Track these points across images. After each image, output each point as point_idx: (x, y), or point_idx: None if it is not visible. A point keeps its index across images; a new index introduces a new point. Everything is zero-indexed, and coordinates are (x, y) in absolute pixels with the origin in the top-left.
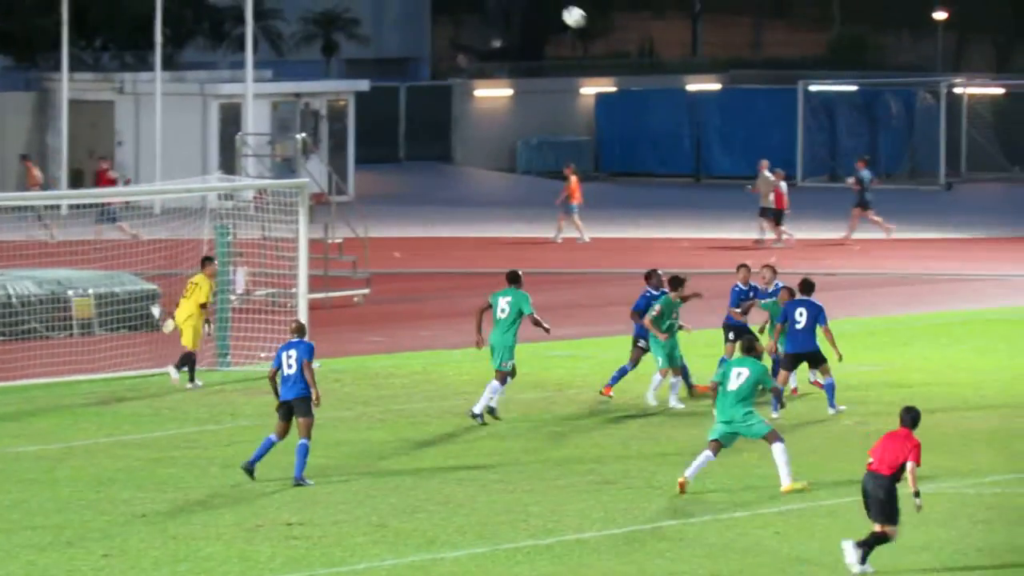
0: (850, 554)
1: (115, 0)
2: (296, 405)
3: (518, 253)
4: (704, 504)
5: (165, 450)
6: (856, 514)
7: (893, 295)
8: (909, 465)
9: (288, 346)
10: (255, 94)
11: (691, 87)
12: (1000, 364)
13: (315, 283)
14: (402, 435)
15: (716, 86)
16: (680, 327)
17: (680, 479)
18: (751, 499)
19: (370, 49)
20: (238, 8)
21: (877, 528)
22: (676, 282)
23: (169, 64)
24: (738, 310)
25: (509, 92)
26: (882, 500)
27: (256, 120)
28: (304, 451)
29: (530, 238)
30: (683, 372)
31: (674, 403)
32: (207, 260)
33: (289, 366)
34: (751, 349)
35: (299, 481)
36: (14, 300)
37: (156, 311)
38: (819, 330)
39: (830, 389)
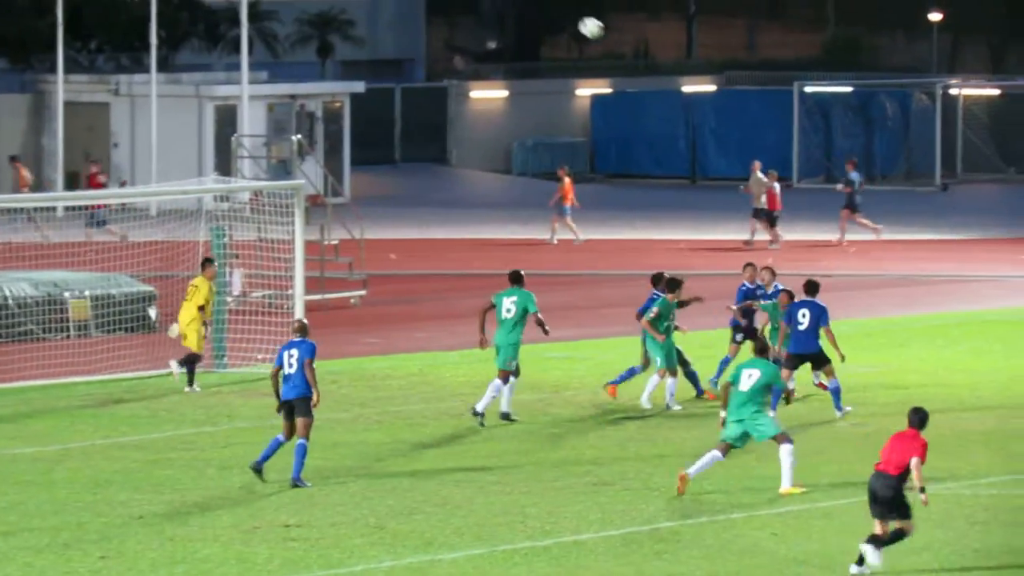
0: (872, 555)
1: (110, 2)
2: (297, 405)
3: (514, 255)
4: (701, 505)
5: (162, 452)
6: (853, 515)
7: (889, 296)
8: (914, 461)
9: (290, 345)
10: (251, 96)
11: (686, 88)
12: (996, 365)
13: (311, 285)
14: (399, 437)
15: (711, 87)
16: (675, 328)
17: (682, 472)
18: (748, 500)
19: (365, 51)
20: (233, 10)
21: (879, 529)
22: (673, 284)
23: (164, 66)
24: (735, 308)
25: (504, 93)
26: (891, 499)
27: (252, 122)
28: (302, 452)
29: (526, 240)
30: (692, 378)
31: (672, 404)
32: (207, 262)
33: (290, 365)
34: (763, 351)
35: (296, 482)
36: (10, 302)
37: (153, 313)
38: (822, 331)
39: (836, 393)
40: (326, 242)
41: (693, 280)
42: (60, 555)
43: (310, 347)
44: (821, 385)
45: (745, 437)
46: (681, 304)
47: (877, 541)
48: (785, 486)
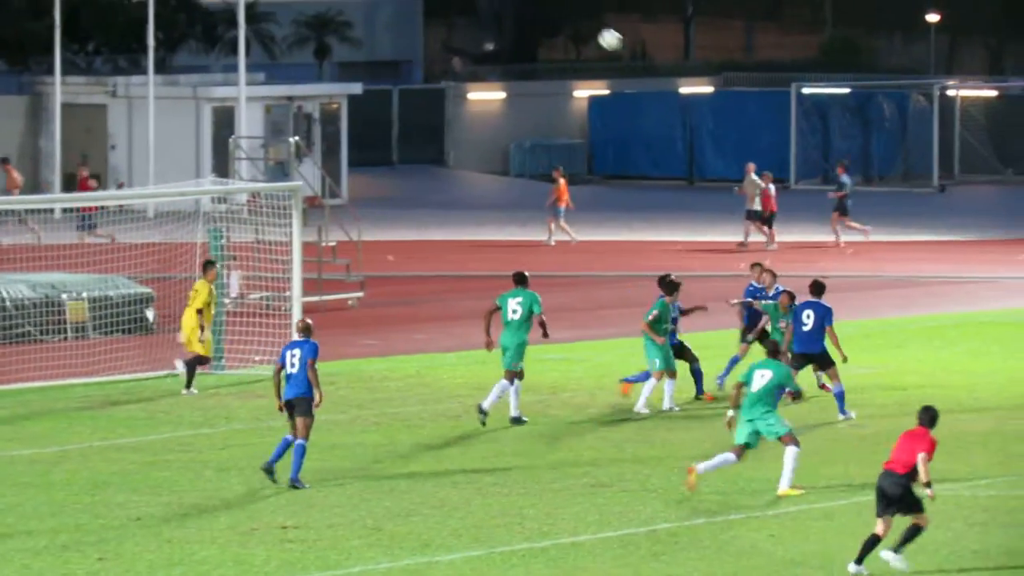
0: (897, 562)
1: (108, 4)
2: (297, 404)
3: (511, 256)
4: (699, 507)
5: (160, 454)
6: (851, 517)
7: (886, 297)
8: (921, 456)
9: (293, 345)
10: (248, 97)
11: (684, 90)
12: (994, 366)
13: (309, 286)
14: (397, 438)
15: (709, 89)
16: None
17: (691, 467)
18: (746, 502)
19: (363, 52)
20: (231, 11)
21: (880, 528)
22: (671, 286)
23: (162, 67)
24: (734, 302)
25: (502, 95)
26: (900, 496)
27: (249, 123)
28: (301, 452)
29: (523, 241)
30: (697, 376)
31: (669, 406)
32: (208, 264)
33: (292, 365)
34: (775, 352)
35: (294, 483)
36: (8, 304)
37: (150, 315)
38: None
39: (839, 397)
40: (324, 244)
41: (691, 281)
42: (58, 557)
43: (313, 347)
44: (824, 387)
45: (756, 436)
46: (684, 312)
47: (901, 542)
48: (783, 487)
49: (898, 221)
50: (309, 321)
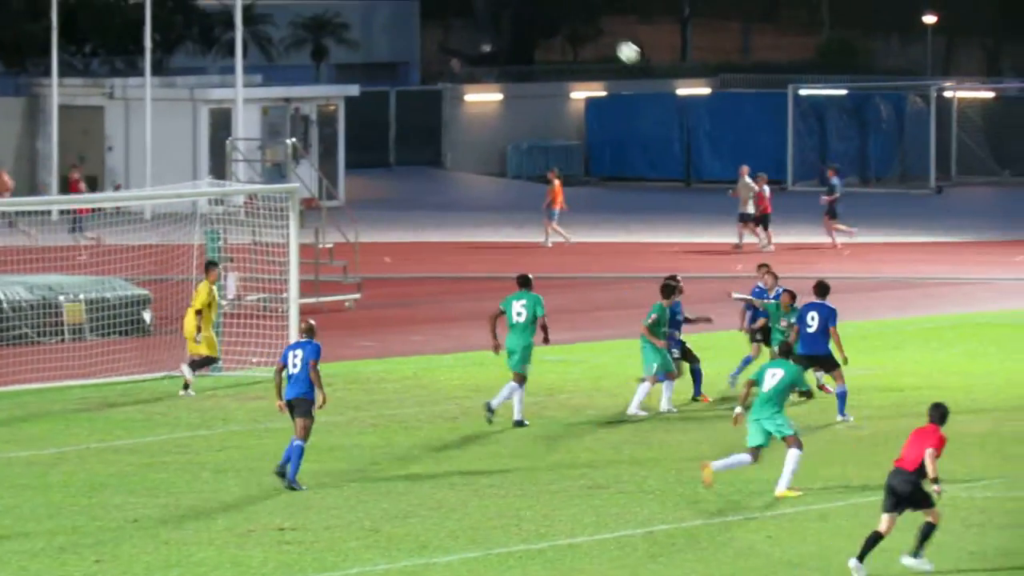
0: (918, 563)
1: (105, 5)
2: (296, 405)
3: (508, 258)
4: (696, 508)
5: (157, 455)
6: (848, 518)
7: (884, 299)
8: (928, 452)
9: (296, 345)
10: (245, 99)
11: (681, 91)
12: (991, 368)
13: (306, 288)
14: (394, 440)
15: (706, 90)
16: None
17: (705, 463)
18: (743, 503)
19: (360, 54)
20: (228, 13)
21: (884, 524)
22: (668, 289)
23: (159, 69)
24: (737, 296)
25: (499, 97)
26: (910, 493)
27: (246, 125)
28: (299, 453)
29: (520, 243)
30: (696, 376)
31: (667, 407)
32: (210, 264)
33: (294, 365)
34: (788, 352)
35: (291, 484)
36: (5, 306)
37: (147, 316)
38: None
39: (841, 397)
40: (321, 245)
41: (688, 283)
42: (55, 559)
43: (315, 348)
44: (824, 388)
45: (767, 435)
46: (689, 321)
47: (918, 543)
48: (781, 488)
49: (895, 222)
50: (312, 322)
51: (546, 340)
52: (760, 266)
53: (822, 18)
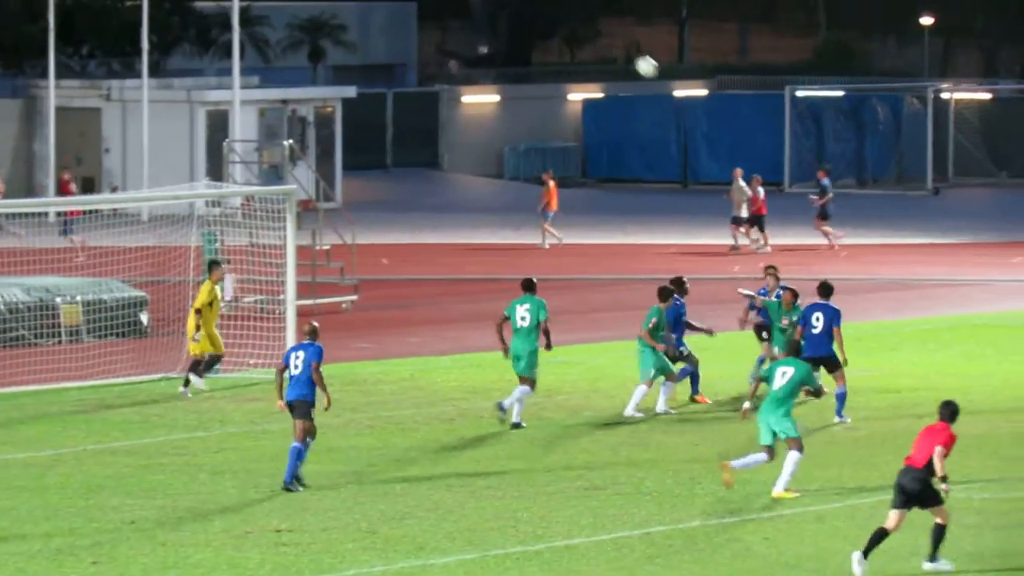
0: (939, 565)
1: (102, 7)
2: (297, 407)
3: (505, 260)
4: (693, 509)
5: (154, 457)
6: (845, 519)
7: (881, 300)
8: (937, 450)
9: (298, 347)
10: (242, 101)
11: (678, 93)
12: (988, 369)
13: (303, 290)
14: (391, 441)
15: (703, 92)
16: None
17: (727, 464)
18: (740, 505)
19: (357, 55)
20: (224, 15)
21: (892, 521)
22: (665, 292)
23: (156, 71)
24: (745, 292)
25: (496, 98)
26: (919, 491)
27: (243, 127)
28: (296, 454)
29: (517, 244)
30: (693, 378)
31: (664, 409)
32: (213, 264)
33: (295, 367)
34: (797, 351)
35: (288, 486)
36: (2, 307)
37: (144, 318)
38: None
39: (840, 398)
40: (318, 247)
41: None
42: (52, 560)
43: (318, 351)
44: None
45: (775, 434)
46: (690, 326)
47: (933, 547)
48: (778, 489)
49: (892, 224)
50: (315, 324)
51: (548, 346)
52: (767, 268)
53: (819, 20)
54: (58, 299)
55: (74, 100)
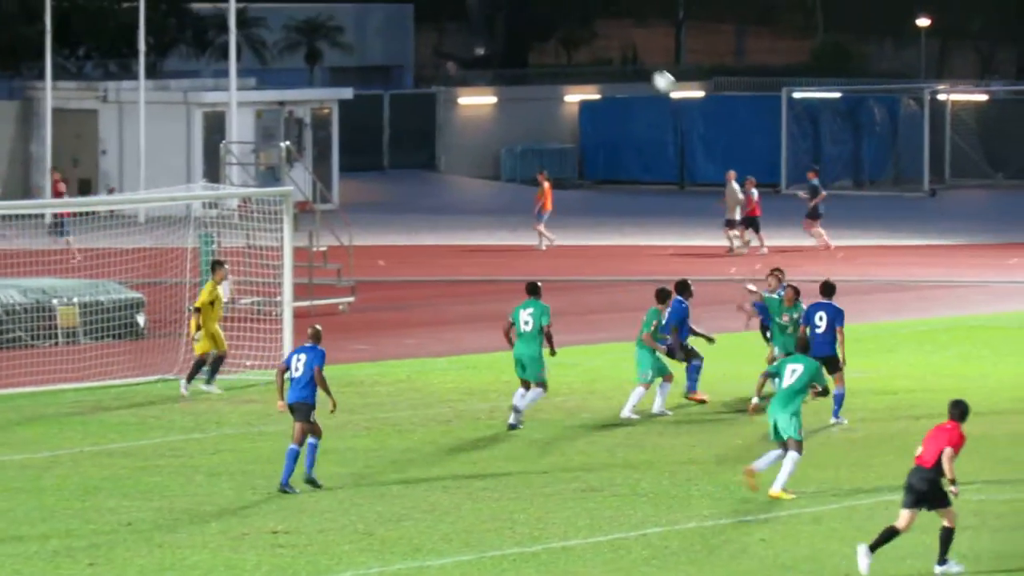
0: (948, 568)
1: (99, 9)
2: (297, 409)
3: (502, 261)
4: (689, 511)
5: (151, 459)
6: (841, 521)
7: (877, 302)
8: (946, 452)
9: (300, 350)
10: (239, 102)
11: (675, 94)
12: (984, 371)
13: (300, 291)
14: (387, 443)
15: (700, 93)
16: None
17: (748, 468)
18: (736, 506)
19: (353, 57)
20: (221, 16)
21: (903, 521)
22: (663, 294)
23: (152, 72)
24: (751, 288)
25: (493, 100)
26: (927, 492)
27: (240, 128)
28: (294, 457)
29: (514, 246)
30: (692, 373)
31: (660, 410)
32: (216, 264)
33: (297, 369)
34: (806, 348)
35: (285, 488)
36: None
37: (141, 320)
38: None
39: (838, 399)
40: (314, 249)
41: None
42: (49, 562)
43: (320, 355)
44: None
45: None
46: (692, 332)
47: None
48: (775, 489)
49: (888, 225)
50: (319, 327)
51: (552, 352)
52: (773, 271)
53: (816, 21)
54: (55, 301)
55: (71, 102)
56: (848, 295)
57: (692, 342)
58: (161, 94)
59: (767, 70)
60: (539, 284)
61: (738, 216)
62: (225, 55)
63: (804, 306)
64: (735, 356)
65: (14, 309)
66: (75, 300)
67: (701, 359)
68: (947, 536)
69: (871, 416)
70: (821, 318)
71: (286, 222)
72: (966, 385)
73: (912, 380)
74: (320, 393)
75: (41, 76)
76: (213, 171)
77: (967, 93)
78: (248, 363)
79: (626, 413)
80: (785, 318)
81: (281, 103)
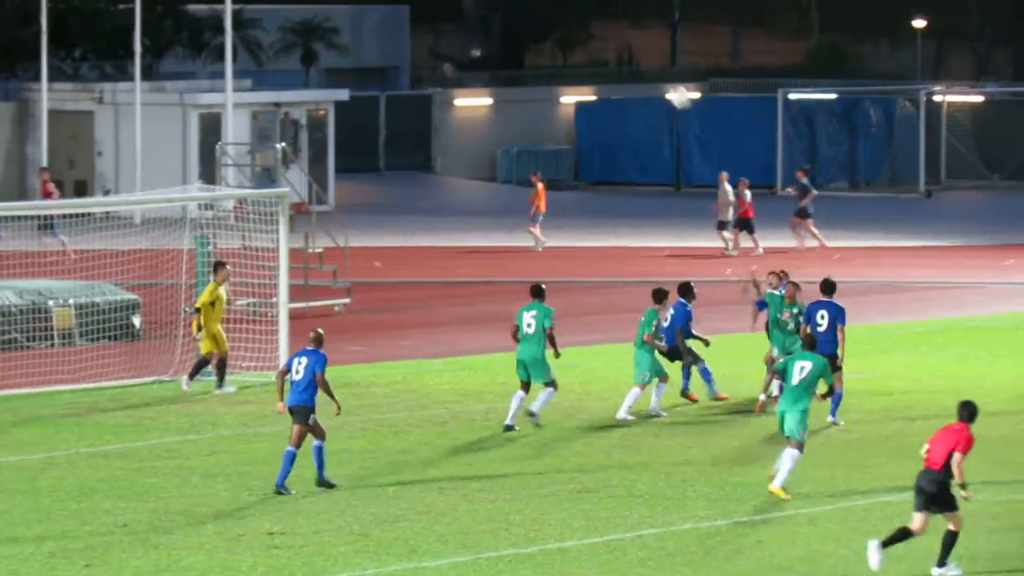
0: (947, 571)
1: (95, 10)
2: (296, 412)
3: (498, 262)
4: (685, 512)
5: (147, 460)
6: (836, 522)
7: (874, 303)
8: (955, 457)
9: (302, 353)
10: (235, 104)
11: (671, 96)
12: (980, 372)
13: (295, 293)
14: (383, 444)
15: (696, 94)
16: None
17: (775, 488)
18: (732, 508)
19: (349, 58)
20: (217, 18)
21: (917, 523)
22: (660, 294)
23: (149, 74)
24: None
25: (489, 101)
26: (935, 494)
27: (236, 130)
28: (290, 459)
29: (510, 247)
30: (685, 374)
31: (656, 411)
32: (218, 265)
33: (297, 372)
34: (812, 345)
35: (280, 489)
36: None
37: (137, 321)
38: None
39: (835, 399)
40: (310, 250)
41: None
42: (45, 563)
43: (321, 359)
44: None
45: None
46: (693, 336)
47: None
48: (775, 485)
49: (884, 227)
50: (321, 331)
51: (556, 355)
52: (770, 273)
53: (811, 22)
54: (50, 302)
55: (67, 103)
56: (844, 296)
57: (688, 343)
58: (157, 95)
59: (763, 71)
60: (543, 286)
61: (731, 217)
62: (221, 57)
63: (804, 304)
64: (733, 357)
65: (10, 311)
66: (71, 302)
67: (703, 362)
68: (950, 540)
69: (867, 417)
70: (823, 316)
71: (282, 223)
72: (962, 386)
73: (908, 381)
74: (321, 395)
75: (37, 78)
76: (209, 172)
77: (963, 94)
78: (244, 364)
79: (622, 414)
80: (786, 314)
81: (277, 104)
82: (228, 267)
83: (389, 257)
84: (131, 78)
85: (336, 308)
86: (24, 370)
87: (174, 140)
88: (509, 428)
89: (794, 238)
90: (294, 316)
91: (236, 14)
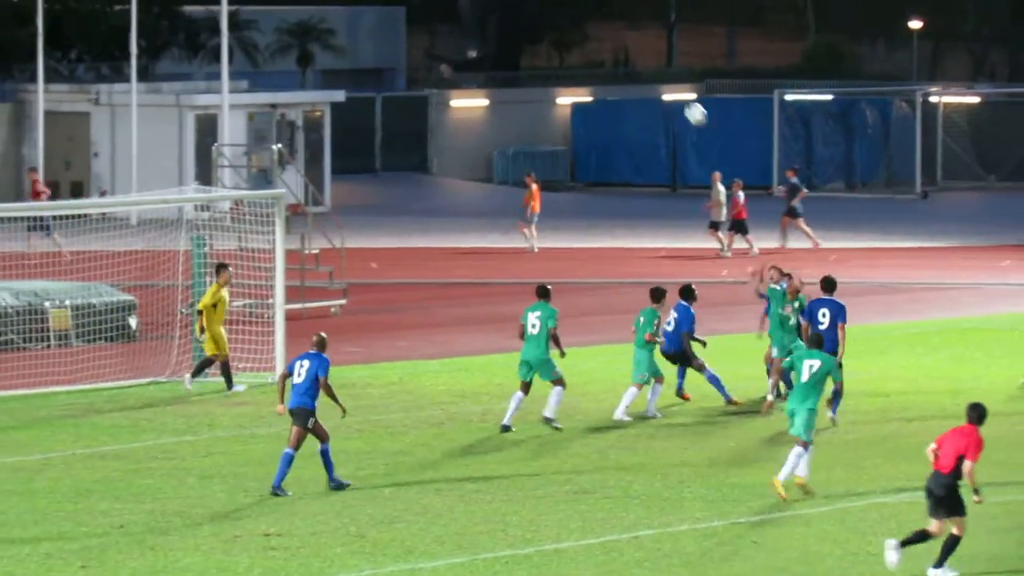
0: (941, 573)
1: (91, 12)
2: (296, 414)
3: (494, 263)
4: (682, 513)
5: (143, 461)
6: (833, 523)
7: (870, 304)
8: (966, 464)
9: (304, 356)
10: (231, 105)
11: (667, 96)
12: (977, 372)
13: (292, 294)
14: (379, 445)
15: (692, 95)
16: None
17: (782, 492)
18: (728, 509)
19: (345, 60)
20: (213, 19)
21: (935, 527)
22: (658, 294)
23: (145, 75)
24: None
25: (485, 102)
26: (943, 497)
27: (232, 131)
28: (288, 460)
29: (506, 248)
30: (680, 374)
31: (652, 411)
32: (220, 267)
33: (299, 375)
34: (820, 343)
35: (276, 491)
36: None
37: (133, 322)
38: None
39: (836, 396)
40: (307, 251)
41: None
42: (41, 564)
43: (324, 363)
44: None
45: None
46: (692, 337)
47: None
48: (777, 480)
49: (881, 227)
50: (324, 335)
51: (561, 354)
52: (771, 268)
53: (808, 23)
54: (47, 303)
55: (63, 104)
56: (840, 297)
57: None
58: (153, 97)
59: (759, 72)
60: (549, 287)
61: (723, 217)
62: (217, 58)
63: (806, 296)
64: (732, 357)
65: (6, 312)
66: (67, 303)
67: (709, 370)
68: (952, 543)
69: (863, 418)
70: (824, 314)
71: (278, 225)
72: (958, 387)
73: (904, 382)
74: (323, 398)
75: (33, 79)
76: (205, 174)
77: (959, 95)
78: (240, 365)
79: (618, 415)
80: (788, 309)
81: (273, 106)
82: (231, 269)
83: (385, 258)
84: (127, 79)
85: (332, 309)
86: (20, 371)
87: (170, 141)
88: (506, 429)
89: (780, 237)
90: (290, 317)
91: (232, 15)
